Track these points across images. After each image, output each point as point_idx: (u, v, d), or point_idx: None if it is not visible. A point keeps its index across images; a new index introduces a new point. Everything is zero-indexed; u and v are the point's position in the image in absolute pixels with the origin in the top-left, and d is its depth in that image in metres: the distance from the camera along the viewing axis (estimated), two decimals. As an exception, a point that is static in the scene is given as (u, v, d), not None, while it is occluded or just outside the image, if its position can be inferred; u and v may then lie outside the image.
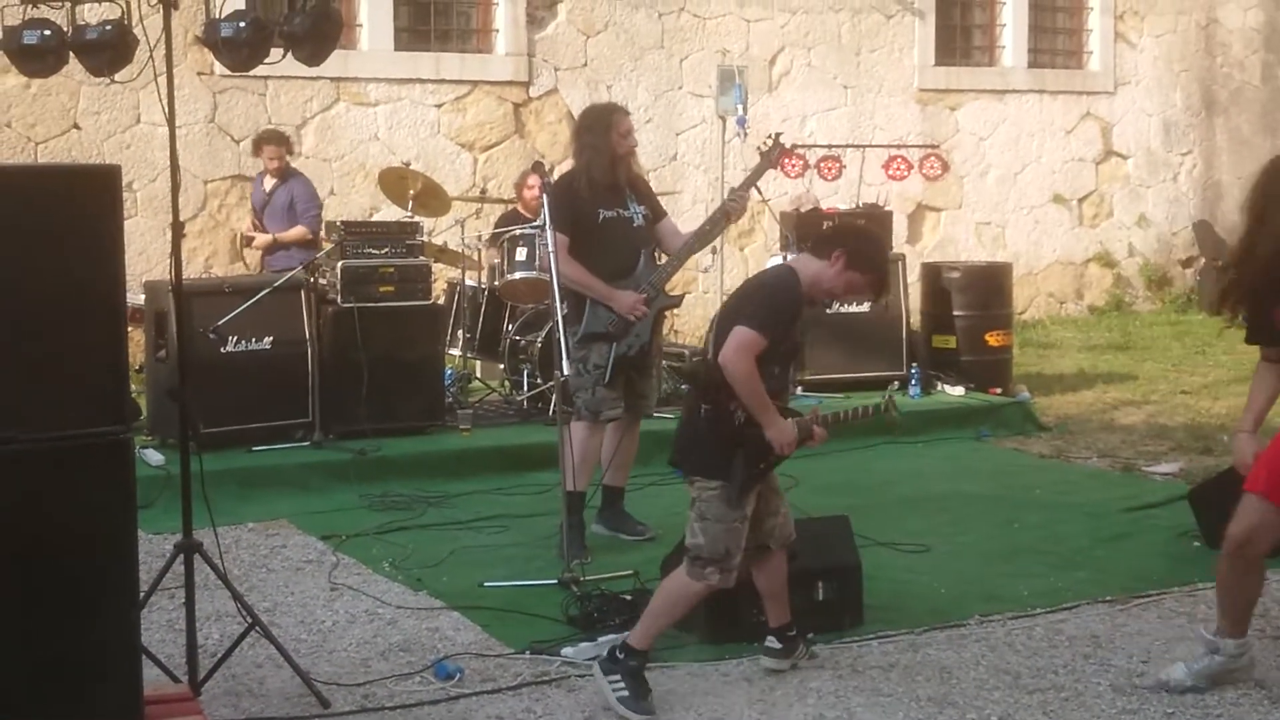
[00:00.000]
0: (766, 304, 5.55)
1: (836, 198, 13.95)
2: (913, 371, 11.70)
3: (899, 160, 13.41)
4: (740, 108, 13.13)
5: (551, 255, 7.09)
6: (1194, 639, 5.87)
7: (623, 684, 5.44)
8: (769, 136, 7.97)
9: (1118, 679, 5.77)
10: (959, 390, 11.73)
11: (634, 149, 7.98)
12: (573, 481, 7.48)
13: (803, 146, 13.41)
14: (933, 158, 13.93)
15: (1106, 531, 8.07)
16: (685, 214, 13.16)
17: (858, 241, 5.77)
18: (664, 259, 7.82)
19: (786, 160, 8.05)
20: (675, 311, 14.02)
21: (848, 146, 13.83)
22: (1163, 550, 7.69)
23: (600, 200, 7.59)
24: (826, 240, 5.84)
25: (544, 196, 7.36)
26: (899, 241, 13.94)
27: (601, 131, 7.70)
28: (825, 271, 5.61)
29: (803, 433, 5.65)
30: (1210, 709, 5.46)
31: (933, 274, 12.61)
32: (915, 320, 12.45)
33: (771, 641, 5.87)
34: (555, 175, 12.84)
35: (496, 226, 11.36)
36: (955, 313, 12.13)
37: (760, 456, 5.57)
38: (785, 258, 11.73)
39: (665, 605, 5.62)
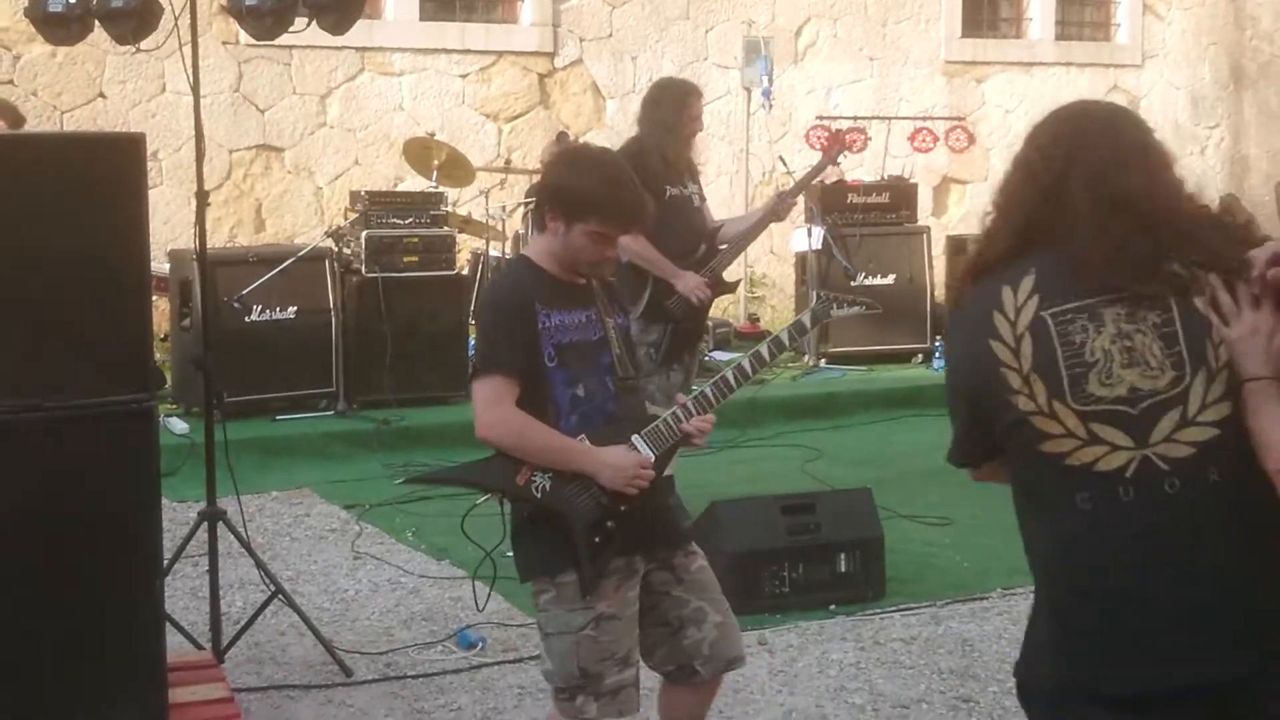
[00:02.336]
0: (486, 327, 4.19)
1: (862, 170, 13.91)
2: (937, 344, 11.68)
3: (924, 132, 13.38)
4: (765, 79, 13.12)
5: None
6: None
7: None
8: (827, 133, 7.90)
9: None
10: (983, 363, 11.69)
11: (699, 132, 7.86)
12: None
13: (827, 118, 13.37)
14: (958, 130, 13.90)
15: (1129, 505, 8.03)
16: (709, 186, 13.06)
17: (557, 179, 4.22)
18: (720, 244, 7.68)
19: (843, 149, 7.92)
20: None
21: (873, 118, 13.79)
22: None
23: (667, 176, 7.43)
24: (537, 207, 4.33)
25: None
26: (924, 214, 13.87)
27: (676, 109, 7.56)
28: (552, 241, 4.08)
29: (658, 443, 4.09)
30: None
31: (958, 246, 12.57)
32: (940, 293, 12.43)
33: None
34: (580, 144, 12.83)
35: (526, 196, 11.36)
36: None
37: (594, 518, 4.01)
38: (810, 231, 11.76)
39: None
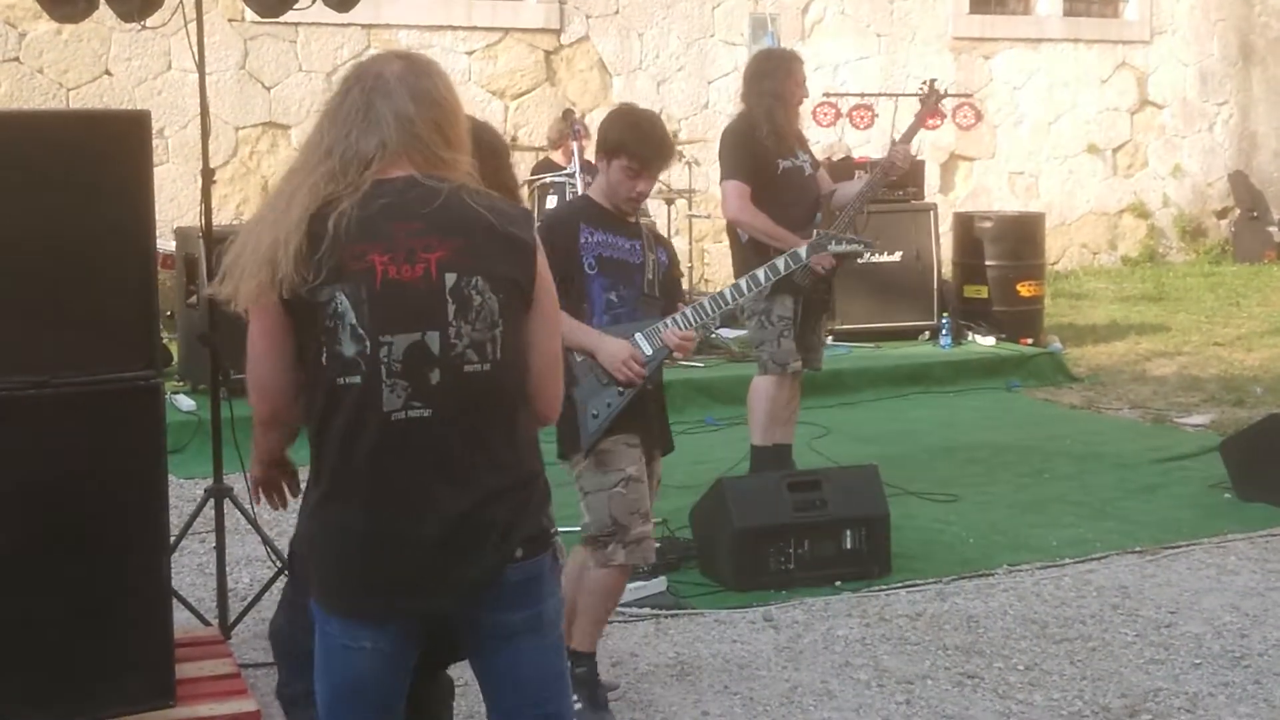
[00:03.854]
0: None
1: (869, 147, 13.89)
2: (944, 321, 11.67)
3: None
4: (772, 56, 13.05)
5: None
6: (1223, 590, 5.86)
7: (575, 696, 4.79)
8: (924, 83, 7.87)
9: (1145, 629, 5.77)
10: (990, 340, 11.70)
11: (805, 99, 7.78)
12: (764, 436, 7.43)
13: (834, 95, 13.34)
14: (966, 107, 13.85)
15: (1136, 482, 8.04)
16: (717, 163, 13.08)
17: (603, 128, 5.12)
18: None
19: (940, 97, 7.82)
20: (707, 261, 14.03)
21: (880, 95, 13.74)
22: (1193, 502, 7.67)
23: (780, 149, 7.36)
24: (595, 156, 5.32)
25: (575, 144, 7.32)
26: (931, 191, 13.85)
27: (783, 78, 7.45)
28: (601, 179, 5.05)
29: (653, 344, 4.95)
30: (1239, 659, 5.45)
31: (965, 224, 12.55)
32: (947, 270, 12.42)
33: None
34: (586, 122, 12.81)
35: (532, 174, 11.34)
36: (987, 263, 12.09)
37: (596, 390, 4.92)
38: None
39: (592, 601, 5.02)
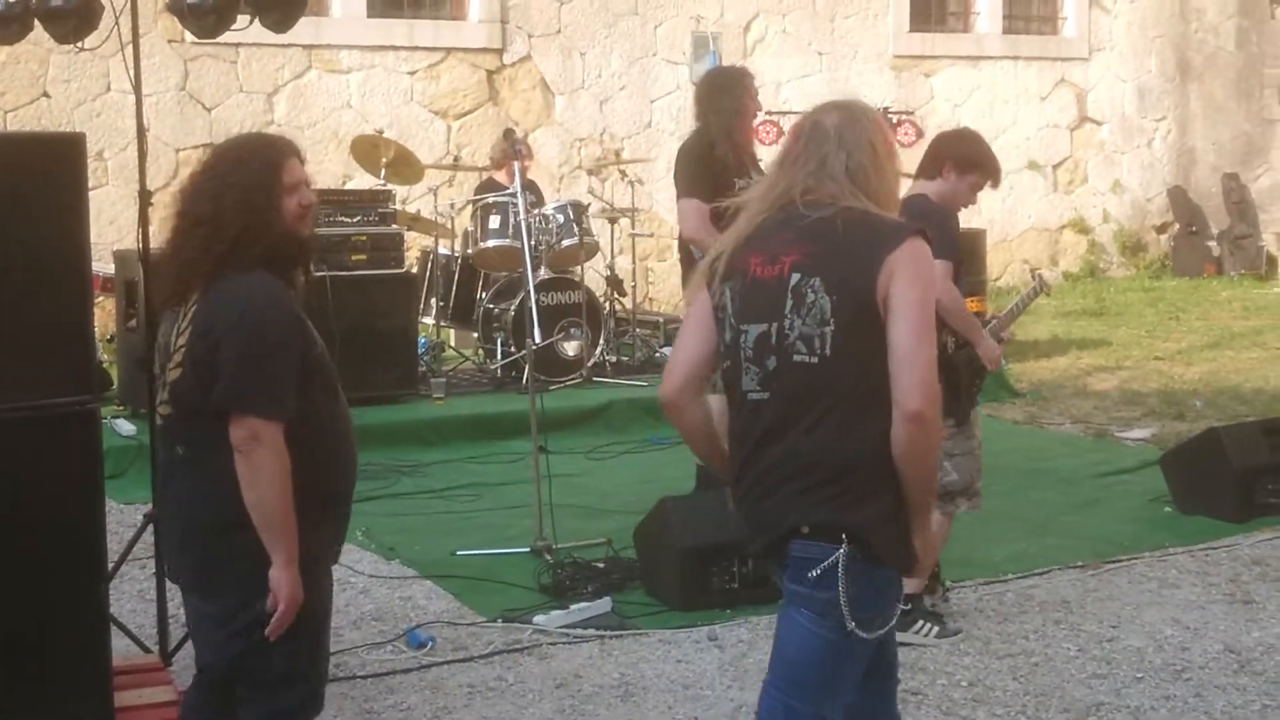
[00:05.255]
0: (939, 234, 5.27)
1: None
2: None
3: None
4: (714, 74, 13.07)
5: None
6: (1164, 604, 5.89)
7: (925, 624, 5.80)
8: (1035, 273, 7.88)
9: (1087, 644, 5.79)
10: (933, 357, 11.73)
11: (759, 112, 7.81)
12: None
13: (776, 113, 13.39)
14: (907, 124, 13.92)
15: (1078, 497, 8.09)
16: (660, 181, 13.13)
17: (955, 146, 6.06)
18: None
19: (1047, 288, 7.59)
20: (651, 280, 14.05)
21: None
22: (1134, 516, 7.72)
23: (738, 167, 7.25)
24: (929, 162, 6.07)
25: (516, 164, 7.32)
26: (873, 208, 13.90)
27: (740, 94, 7.40)
28: (946, 187, 5.94)
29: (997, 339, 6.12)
30: (1180, 672, 5.48)
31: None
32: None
33: None
34: (529, 141, 12.82)
35: (475, 194, 11.32)
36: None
37: (975, 376, 6.05)
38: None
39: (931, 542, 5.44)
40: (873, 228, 3.55)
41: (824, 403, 3.48)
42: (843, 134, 3.68)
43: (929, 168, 6.04)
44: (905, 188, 5.41)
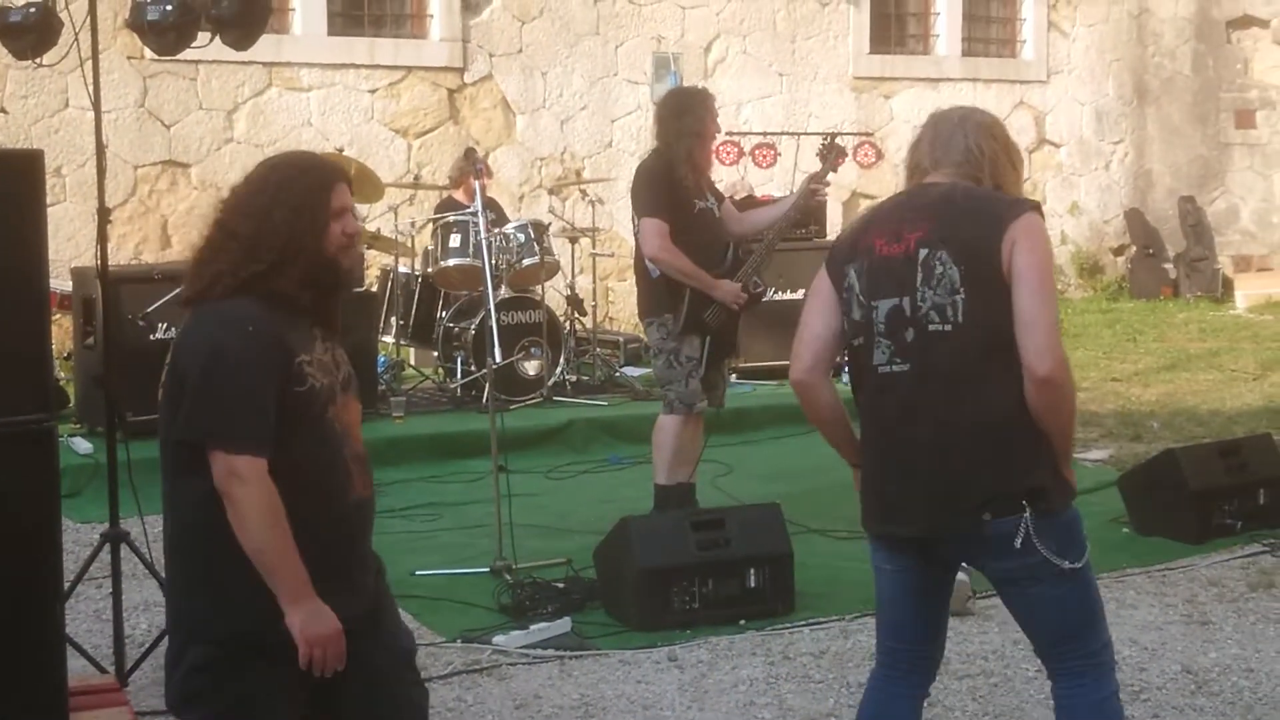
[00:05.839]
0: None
1: (771, 185, 13.98)
2: (846, 359, 11.71)
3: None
4: (675, 95, 13.10)
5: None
6: (1122, 624, 5.91)
7: None
8: (826, 138, 7.90)
9: (1047, 664, 5.81)
10: (892, 377, 11.76)
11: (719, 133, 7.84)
12: (668, 475, 7.45)
13: (737, 134, 13.42)
14: (867, 145, 13.98)
15: (1037, 518, 8.10)
16: (621, 200, 13.12)
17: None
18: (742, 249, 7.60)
19: (840, 160, 7.84)
20: (611, 300, 14.05)
21: (782, 134, 13.86)
22: (1092, 536, 7.51)
23: (696, 189, 7.40)
24: None
25: (476, 183, 7.31)
26: (833, 229, 13.95)
27: (702, 114, 7.46)
28: None
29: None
30: (1138, 693, 5.50)
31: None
32: (849, 308, 12.48)
33: None
34: (490, 160, 12.81)
35: (435, 213, 11.31)
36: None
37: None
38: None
39: None
40: (991, 200, 3.82)
41: (963, 370, 3.71)
42: (965, 123, 3.95)
43: None
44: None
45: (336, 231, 3.57)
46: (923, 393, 3.75)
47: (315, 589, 3.46)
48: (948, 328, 3.71)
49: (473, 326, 10.40)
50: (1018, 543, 3.68)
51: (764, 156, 13.66)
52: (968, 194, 3.83)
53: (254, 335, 3.45)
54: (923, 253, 3.75)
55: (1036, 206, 3.82)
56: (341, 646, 3.47)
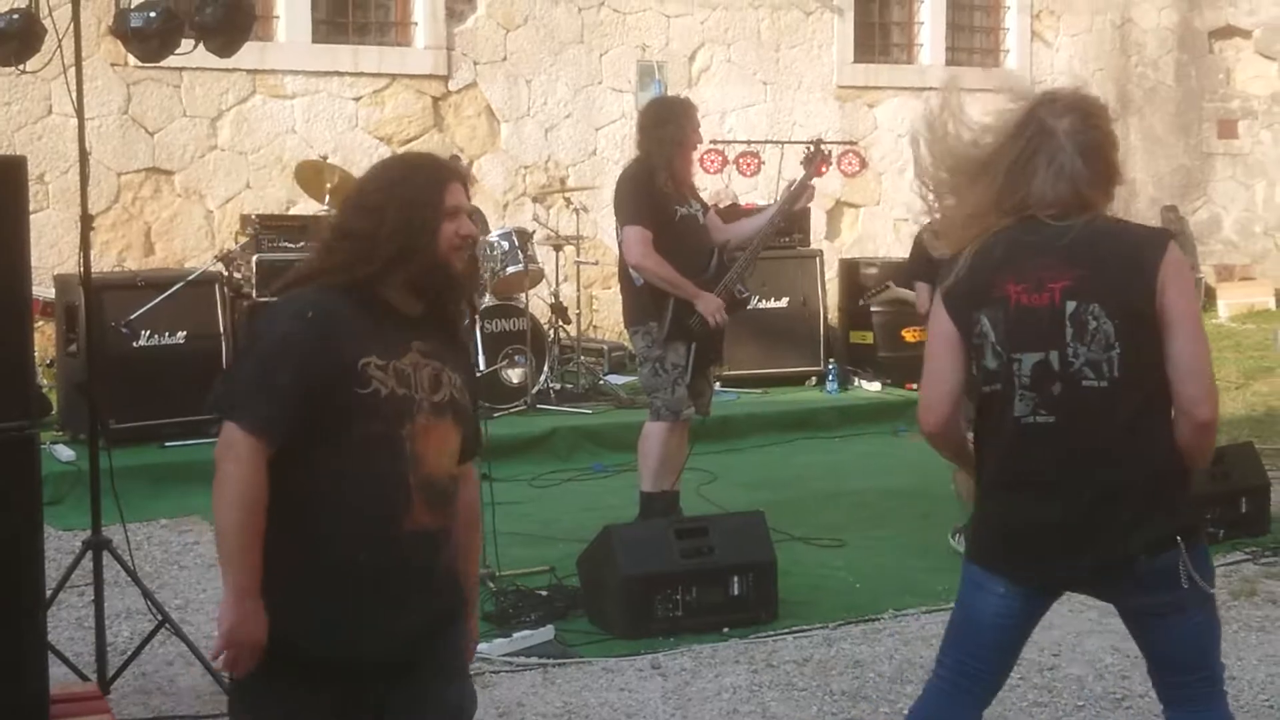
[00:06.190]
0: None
1: (755, 194, 13.99)
2: (830, 367, 11.76)
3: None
4: (659, 103, 13.12)
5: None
6: (1105, 632, 5.92)
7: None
8: (809, 144, 7.92)
9: (1029, 672, 5.81)
10: (876, 386, 11.80)
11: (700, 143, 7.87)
12: (654, 483, 7.45)
13: (721, 142, 13.43)
14: (851, 154, 14.02)
15: (1020, 526, 8.11)
16: (605, 209, 13.11)
17: None
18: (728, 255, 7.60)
19: (824, 166, 7.91)
20: (595, 308, 14.05)
21: (766, 143, 13.88)
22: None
23: (676, 196, 7.42)
24: None
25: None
26: (817, 237, 13.99)
27: (683, 124, 7.49)
28: None
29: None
30: (1120, 700, 5.51)
31: (851, 270, 12.67)
32: (833, 316, 12.52)
33: None
34: (474, 169, 12.80)
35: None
36: (873, 309, 12.19)
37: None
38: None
39: None
40: (1131, 239, 3.72)
41: (1117, 420, 3.62)
42: (1075, 137, 3.80)
43: None
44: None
45: (450, 232, 3.40)
46: (1078, 445, 3.64)
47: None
48: (1104, 384, 3.61)
49: (456, 334, 10.37)
50: (1183, 580, 3.62)
51: (748, 165, 13.69)
52: (1105, 234, 3.70)
53: (309, 322, 3.29)
54: (1070, 305, 3.62)
55: (1173, 236, 3.76)
56: (255, 659, 3.27)
